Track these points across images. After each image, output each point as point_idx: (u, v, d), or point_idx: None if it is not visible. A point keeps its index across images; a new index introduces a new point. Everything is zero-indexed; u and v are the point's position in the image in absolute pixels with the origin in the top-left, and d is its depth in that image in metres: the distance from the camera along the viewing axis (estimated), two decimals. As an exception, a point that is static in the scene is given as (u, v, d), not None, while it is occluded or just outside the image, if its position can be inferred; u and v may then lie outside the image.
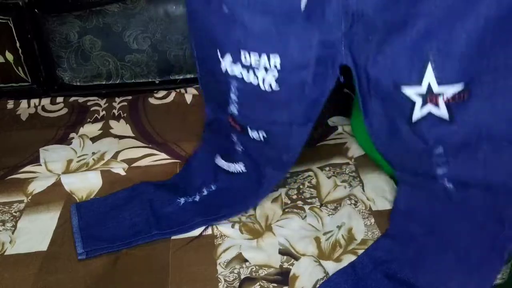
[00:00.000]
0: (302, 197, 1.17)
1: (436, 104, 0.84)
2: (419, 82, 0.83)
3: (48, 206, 1.18)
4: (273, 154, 1.06)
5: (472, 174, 0.90)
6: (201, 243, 1.05)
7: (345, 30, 0.86)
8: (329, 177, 1.22)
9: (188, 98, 1.57)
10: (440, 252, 0.93)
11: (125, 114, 1.51)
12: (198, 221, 1.07)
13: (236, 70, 0.95)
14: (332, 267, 0.97)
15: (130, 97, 1.60)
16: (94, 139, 1.40)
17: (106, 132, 1.43)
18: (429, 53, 0.80)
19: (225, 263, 0.99)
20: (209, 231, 1.08)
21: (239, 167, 1.14)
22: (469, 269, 0.90)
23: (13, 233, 1.10)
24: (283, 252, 1.02)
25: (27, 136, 1.44)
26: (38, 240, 1.08)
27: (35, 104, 1.60)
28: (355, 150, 1.30)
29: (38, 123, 1.51)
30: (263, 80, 0.93)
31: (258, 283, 0.94)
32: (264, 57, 0.90)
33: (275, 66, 0.90)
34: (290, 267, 0.98)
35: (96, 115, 1.53)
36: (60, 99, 1.61)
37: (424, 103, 0.85)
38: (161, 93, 1.59)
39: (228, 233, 1.07)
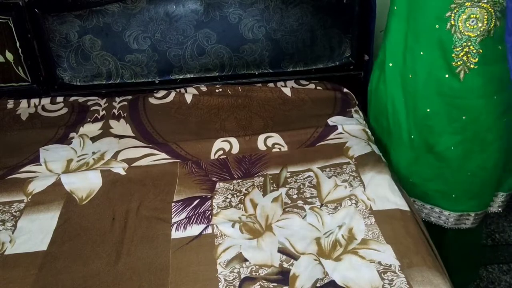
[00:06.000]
0: (303, 196, 1.16)
1: None
2: None
3: (48, 206, 1.18)
4: None
5: None
6: (201, 243, 1.05)
7: None
8: (329, 177, 1.22)
9: (188, 98, 1.57)
10: None
11: (125, 114, 1.51)
12: None
13: None
14: (332, 266, 0.97)
15: (130, 97, 1.60)
16: (94, 139, 1.40)
17: (106, 132, 1.43)
18: None
19: (225, 263, 0.99)
20: (209, 231, 1.08)
21: None
22: None
23: (13, 232, 1.10)
24: (283, 251, 1.02)
25: (27, 136, 1.44)
26: (38, 240, 1.08)
27: (35, 103, 1.60)
28: (355, 150, 1.30)
29: (38, 123, 1.51)
30: None
31: (258, 283, 0.94)
32: None
33: None
34: (290, 267, 0.98)
35: (96, 114, 1.53)
36: (60, 99, 1.61)
37: None
38: (161, 93, 1.59)
39: (228, 233, 1.07)
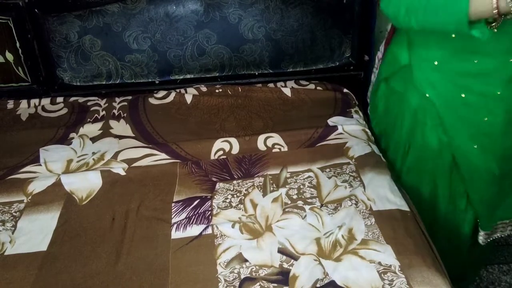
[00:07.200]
0: (303, 197, 1.17)
1: None
2: None
3: (48, 206, 1.18)
4: None
5: None
6: (201, 243, 1.05)
7: None
8: (329, 177, 1.22)
9: (188, 98, 1.57)
10: None
11: (125, 114, 1.51)
12: None
13: None
14: (332, 266, 0.97)
15: (130, 97, 1.60)
16: (94, 139, 1.40)
17: (106, 132, 1.43)
18: None
19: (225, 263, 0.99)
20: (209, 231, 1.08)
21: None
22: None
23: (13, 233, 1.10)
24: (283, 252, 1.02)
25: (27, 136, 1.44)
26: (38, 240, 1.08)
27: (35, 104, 1.60)
28: (355, 150, 1.30)
29: (38, 123, 1.51)
30: None
31: (258, 283, 0.94)
32: None
33: None
34: (290, 267, 0.98)
35: (96, 115, 1.53)
36: (60, 99, 1.61)
37: None
38: (161, 93, 1.59)
39: (228, 233, 1.07)
